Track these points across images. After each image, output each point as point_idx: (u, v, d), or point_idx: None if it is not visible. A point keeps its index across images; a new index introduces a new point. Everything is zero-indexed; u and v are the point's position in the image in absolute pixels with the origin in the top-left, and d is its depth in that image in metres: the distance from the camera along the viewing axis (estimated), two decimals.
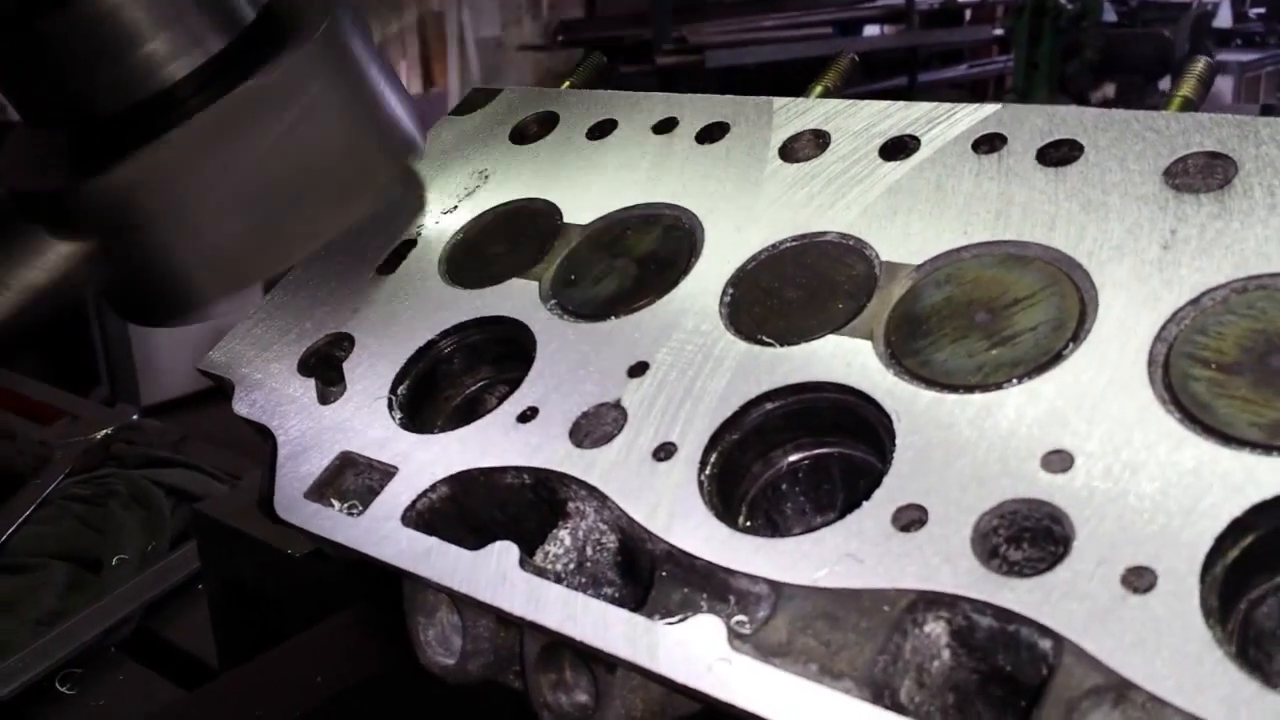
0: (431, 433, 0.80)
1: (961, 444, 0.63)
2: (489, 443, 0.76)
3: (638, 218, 0.89)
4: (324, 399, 0.86)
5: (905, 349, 0.69)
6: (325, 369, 0.89)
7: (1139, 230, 0.69)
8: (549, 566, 0.69)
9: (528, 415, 0.76)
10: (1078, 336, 0.65)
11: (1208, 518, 0.55)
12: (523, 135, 1.03)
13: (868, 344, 0.70)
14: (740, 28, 7.82)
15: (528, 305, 0.85)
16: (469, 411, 0.85)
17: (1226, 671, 0.50)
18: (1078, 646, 0.53)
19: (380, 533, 0.74)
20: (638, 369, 0.76)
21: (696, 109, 0.95)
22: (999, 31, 9.71)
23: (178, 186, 0.89)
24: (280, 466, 0.82)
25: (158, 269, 0.95)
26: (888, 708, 0.55)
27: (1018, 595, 0.55)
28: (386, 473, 0.78)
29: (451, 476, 0.75)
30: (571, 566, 0.70)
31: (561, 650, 0.67)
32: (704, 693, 0.58)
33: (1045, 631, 0.54)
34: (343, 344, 0.90)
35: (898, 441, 0.64)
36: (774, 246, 0.80)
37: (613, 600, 0.66)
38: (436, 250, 0.95)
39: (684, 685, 0.58)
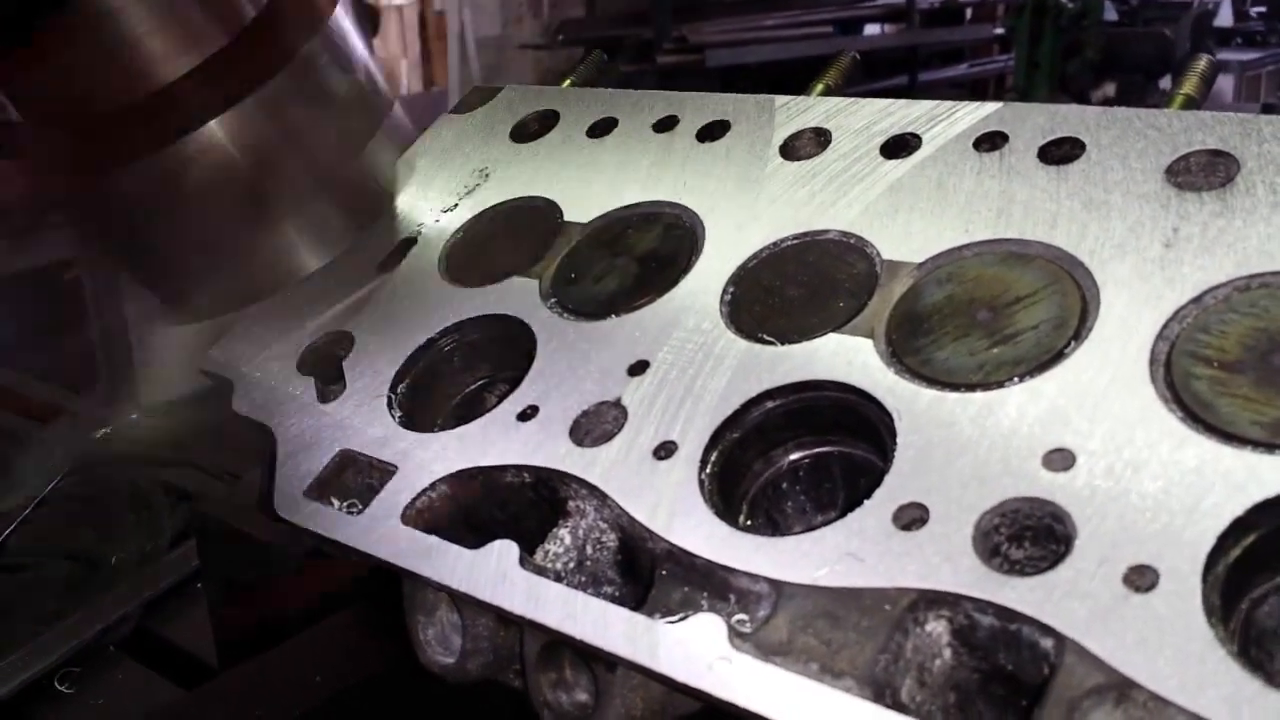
0: (431, 431, 0.80)
1: (963, 442, 0.62)
2: (489, 441, 0.76)
3: (638, 216, 0.89)
4: (324, 397, 0.86)
5: (906, 347, 0.69)
6: (325, 367, 0.89)
7: (1141, 228, 0.68)
8: (549, 565, 0.69)
9: (528, 414, 0.76)
10: (1079, 335, 0.65)
11: (1210, 516, 0.55)
12: (523, 133, 1.03)
13: (869, 342, 0.70)
14: (740, 27, 7.81)
15: (528, 304, 0.85)
16: (469, 410, 0.85)
17: (1229, 670, 0.50)
18: (1079, 645, 0.53)
19: (380, 532, 0.73)
20: (638, 367, 0.75)
21: (697, 107, 0.95)
22: (1000, 30, 9.70)
23: (182, 192, 0.90)
24: (280, 465, 0.82)
25: (160, 271, 0.95)
26: (889, 707, 0.55)
27: (1019, 594, 0.55)
28: (386, 471, 0.78)
29: (451, 475, 0.75)
30: (571, 565, 0.70)
31: (561, 649, 0.66)
32: (704, 691, 0.58)
33: (1047, 630, 0.54)
34: (342, 342, 0.90)
35: (899, 440, 0.64)
36: (775, 245, 0.80)
37: (613, 599, 0.66)
38: (436, 248, 0.95)
39: (684, 684, 0.58)
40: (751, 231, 0.82)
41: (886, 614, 0.58)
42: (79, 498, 1.72)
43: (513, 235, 0.93)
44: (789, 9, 8.22)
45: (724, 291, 0.78)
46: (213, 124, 0.91)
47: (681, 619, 0.60)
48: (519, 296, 0.86)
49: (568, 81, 1.09)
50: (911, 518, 0.60)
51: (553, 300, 0.85)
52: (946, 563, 0.58)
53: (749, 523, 0.71)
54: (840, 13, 8.87)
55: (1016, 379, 0.64)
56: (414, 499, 0.75)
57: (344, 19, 0.97)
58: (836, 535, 0.61)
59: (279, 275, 1.01)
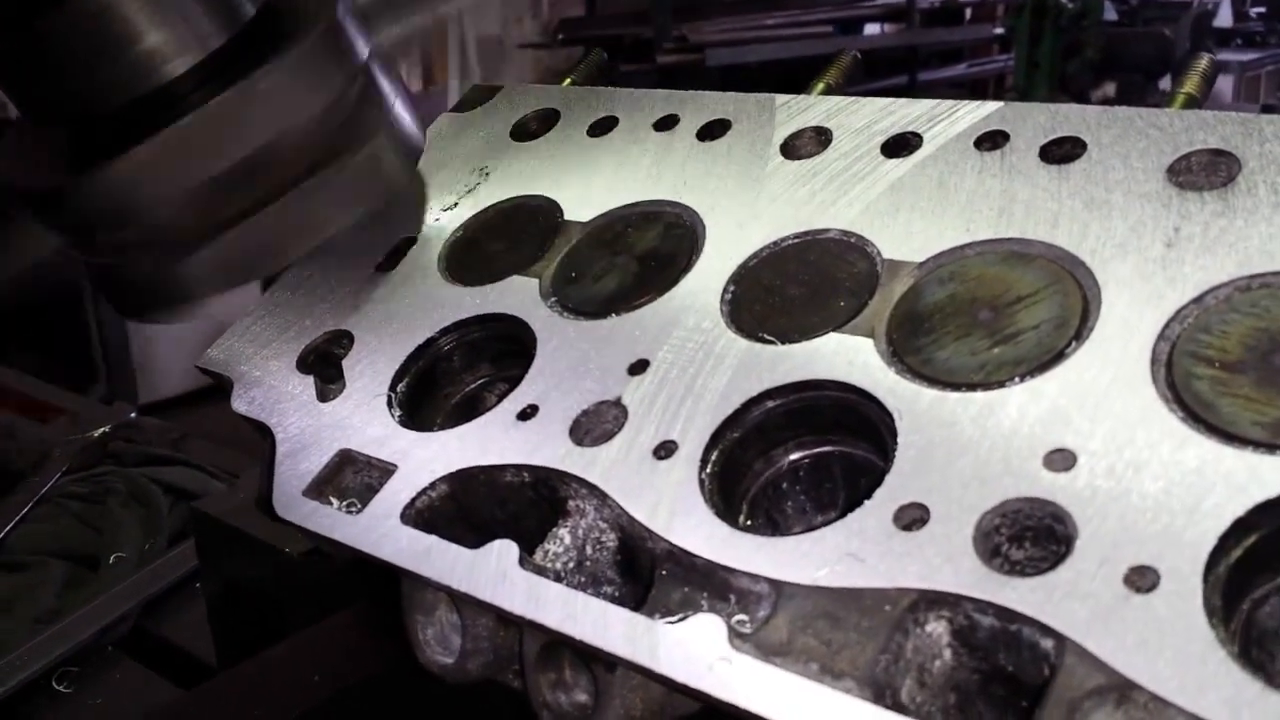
0: (431, 430, 0.80)
1: (963, 442, 0.62)
2: (489, 441, 0.76)
3: (639, 215, 0.89)
4: (323, 396, 0.86)
5: (907, 347, 0.69)
6: (324, 366, 0.89)
7: (1142, 228, 0.68)
8: (549, 565, 0.69)
9: (528, 413, 0.76)
10: (1080, 335, 0.65)
11: (1211, 517, 0.55)
12: (523, 132, 1.03)
13: (869, 342, 0.70)
14: (740, 26, 7.81)
15: (528, 302, 0.85)
16: (469, 409, 0.85)
17: (1229, 672, 0.49)
18: (1080, 646, 0.52)
19: (379, 531, 0.73)
20: (638, 367, 0.75)
21: (698, 106, 0.94)
22: (999, 30, 9.70)
23: (172, 182, 0.89)
24: (279, 464, 0.82)
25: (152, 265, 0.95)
26: (889, 707, 0.55)
27: (1020, 595, 0.55)
28: (386, 470, 0.77)
29: (451, 474, 0.75)
30: (571, 565, 0.70)
31: (561, 649, 0.66)
32: (704, 692, 0.57)
33: (1047, 631, 0.54)
34: (342, 341, 0.90)
35: (899, 440, 0.64)
36: (776, 244, 0.80)
37: (613, 599, 0.66)
38: (436, 247, 0.95)
39: (684, 685, 0.58)
40: (752, 230, 0.82)
41: (887, 614, 0.58)
42: (78, 496, 1.71)
43: (513, 234, 0.93)
44: (789, 8, 8.21)
45: (724, 290, 0.78)
46: (212, 123, 0.91)
47: (681, 619, 0.60)
48: (519, 295, 0.86)
49: (568, 80, 1.09)
50: (912, 518, 0.60)
51: (553, 299, 0.85)
52: (947, 563, 0.58)
53: (749, 522, 0.71)
54: (840, 12, 8.87)
55: (1017, 379, 0.64)
56: (413, 498, 0.75)
57: (349, 23, 0.96)
58: (837, 535, 0.61)
59: (279, 271, 1.01)
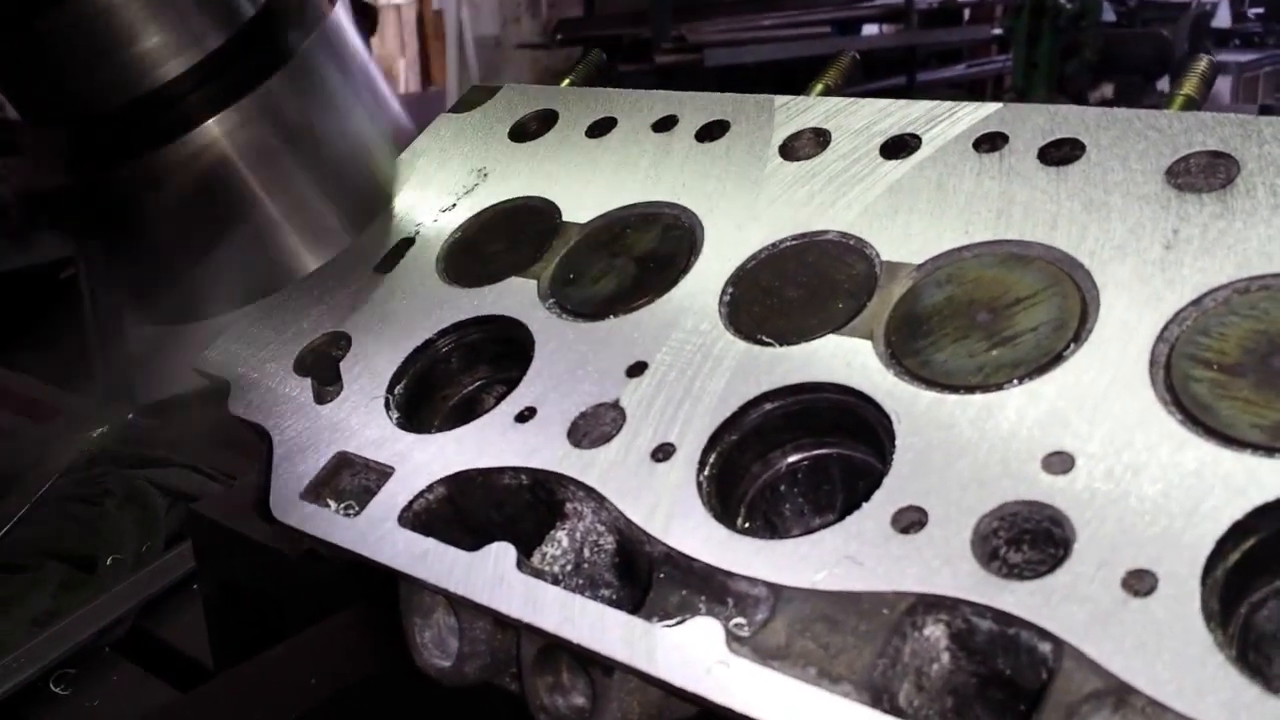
0: (429, 433, 0.80)
1: (962, 445, 0.62)
2: (486, 443, 0.76)
3: (637, 216, 0.88)
4: (320, 399, 0.86)
5: (906, 349, 0.69)
6: (322, 368, 0.89)
7: (1141, 230, 0.68)
8: (546, 568, 0.69)
9: (525, 415, 0.76)
10: (1079, 337, 0.65)
11: (1209, 520, 0.54)
12: (522, 133, 1.03)
13: (868, 344, 0.70)
14: (739, 26, 7.81)
15: (526, 304, 0.85)
16: (466, 411, 0.85)
17: (1227, 675, 0.49)
18: (1078, 650, 0.52)
19: (377, 534, 0.73)
20: (636, 369, 0.75)
21: (696, 107, 0.94)
22: (998, 31, 9.70)
23: (183, 189, 0.89)
24: (276, 466, 0.81)
25: (161, 271, 0.95)
26: (887, 711, 0.54)
27: (1018, 598, 0.55)
28: (383, 473, 0.77)
29: (449, 477, 0.75)
30: (569, 568, 0.69)
31: (559, 652, 0.66)
32: (702, 696, 0.57)
33: (1045, 635, 0.54)
34: (340, 343, 0.90)
35: (897, 442, 0.64)
36: (774, 245, 0.80)
37: (610, 602, 0.65)
38: (434, 248, 0.95)
39: (682, 688, 0.58)
40: (751, 232, 0.81)
41: (885, 618, 0.58)
42: (75, 498, 1.71)
43: (511, 235, 0.93)
44: (787, 9, 8.22)
45: (723, 292, 0.78)
46: (210, 123, 0.91)
47: (679, 622, 0.60)
48: (517, 297, 0.86)
49: (566, 81, 1.09)
50: (910, 521, 0.60)
51: (551, 301, 0.85)
52: (945, 566, 0.57)
53: (747, 525, 0.71)
54: (839, 13, 8.87)
55: (1016, 381, 0.64)
56: (411, 501, 0.74)
57: (344, 18, 0.96)
58: (835, 538, 0.61)
59: (277, 276, 1.01)
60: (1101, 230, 0.69)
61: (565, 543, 0.70)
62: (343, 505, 0.77)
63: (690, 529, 0.65)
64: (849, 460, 0.71)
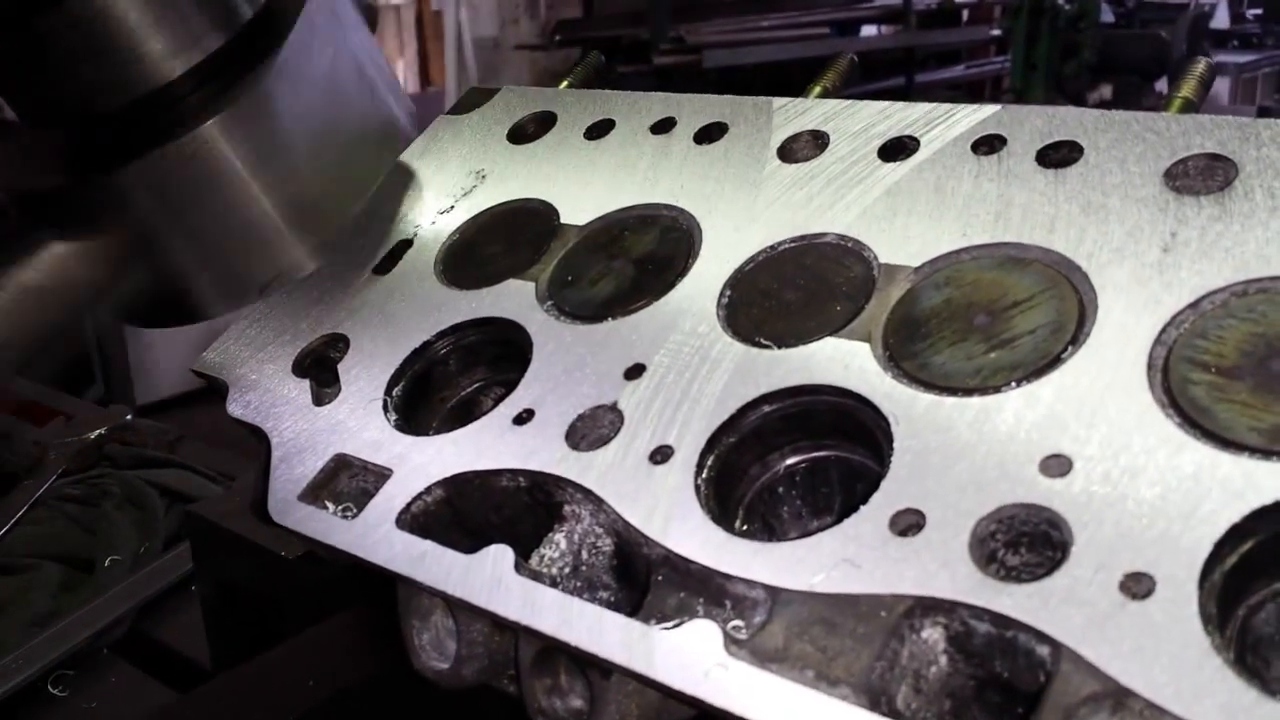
0: (427, 435, 0.80)
1: (960, 448, 0.62)
2: (484, 445, 0.76)
3: (635, 218, 0.88)
4: (318, 400, 0.86)
5: (903, 351, 0.69)
6: (320, 370, 0.89)
7: (1139, 233, 0.68)
8: (544, 570, 0.69)
9: (523, 417, 0.76)
10: (1077, 340, 0.65)
11: (1207, 523, 0.54)
12: (520, 135, 1.03)
13: (866, 346, 0.70)
14: (738, 28, 7.82)
15: (524, 306, 0.85)
16: (464, 413, 0.85)
17: (1225, 679, 0.49)
18: (1075, 653, 0.52)
19: (374, 536, 0.73)
20: (634, 371, 0.75)
21: (695, 109, 0.94)
22: (996, 32, 9.71)
23: (183, 191, 0.89)
24: (274, 468, 0.81)
25: (161, 273, 0.95)
26: (884, 714, 0.55)
27: (1015, 601, 0.55)
28: (381, 475, 0.77)
29: (446, 479, 0.75)
30: (567, 570, 0.69)
31: (556, 655, 0.66)
32: (700, 699, 0.57)
33: (1043, 638, 0.54)
34: (338, 345, 0.90)
35: (895, 445, 0.64)
36: (772, 248, 0.80)
37: (608, 604, 0.65)
38: (433, 251, 0.95)
39: (680, 691, 0.58)
40: (749, 234, 0.81)
41: (882, 621, 0.58)
42: (73, 499, 1.71)
43: (509, 237, 0.93)
44: (786, 10, 8.22)
45: (721, 295, 0.78)
46: (209, 124, 0.91)
47: (677, 625, 0.60)
48: (515, 299, 0.86)
49: (565, 83, 1.09)
50: (908, 524, 0.60)
51: (549, 303, 0.85)
52: (943, 569, 0.57)
53: (745, 528, 0.71)
54: (837, 14, 8.88)
55: (1014, 384, 0.64)
56: (409, 503, 0.74)
57: (347, 13, 0.96)
58: (833, 541, 0.61)
59: (275, 277, 1.00)
60: (1099, 233, 0.69)
61: (563, 545, 0.70)
62: (341, 507, 0.77)
63: (688, 531, 0.65)
64: (847, 463, 0.71)
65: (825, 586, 0.59)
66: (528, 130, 1.03)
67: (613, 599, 0.70)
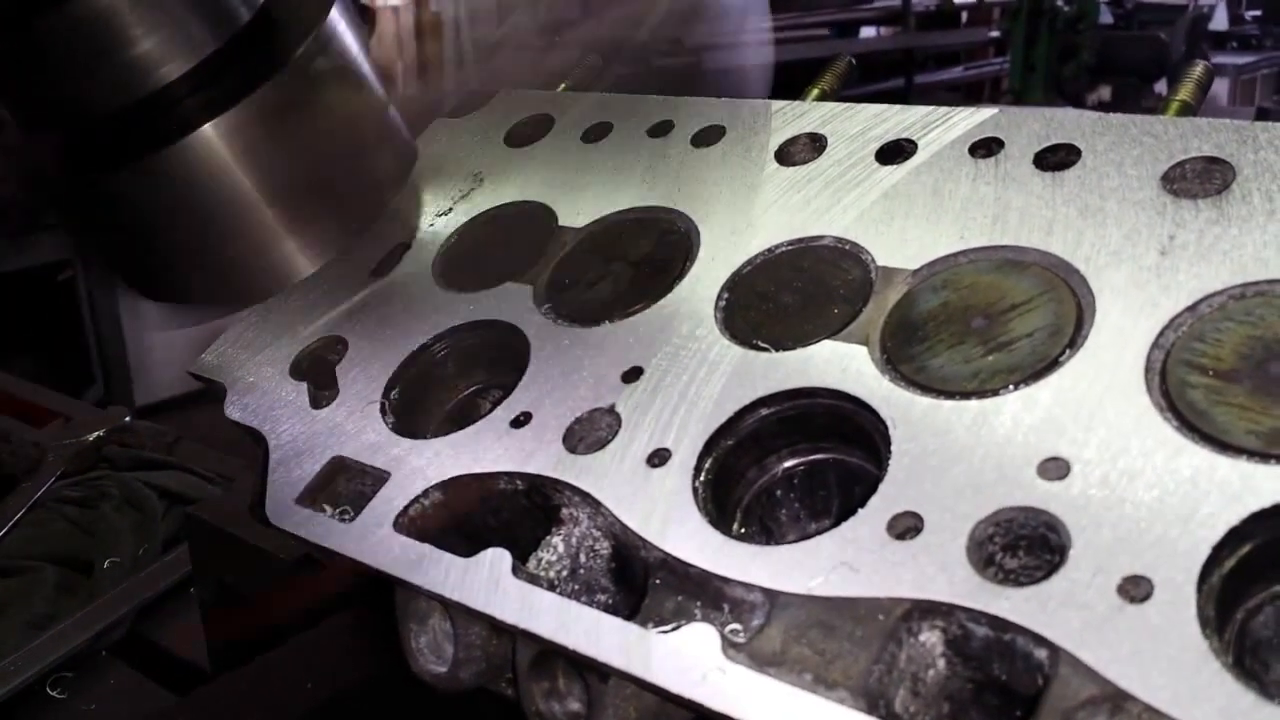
0: (424, 438, 0.80)
1: (957, 451, 0.62)
2: (482, 448, 0.76)
3: (633, 221, 0.88)
4: (316, 403, 0.86)
5: (901, 355, 0.69)
6: (318, 373, 0.88)
7: (1137, 236, 0.68)
8: (542, 574, 0.69)
9: (521, 420, 0.76)
10: (1075, 343, 0.65)
11: (1205, 526, 0.54)
12: (518, 138, 1.03)
13: (863, 349, 0.70)
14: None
15: (522, 309, 0.85)
16: (462, 416, 0.85)
17: (1223, 682, 0.49)
18: (1074, 656, 0.52)
19: (372, 539, 0.73)
20: (632, 374, 0.75)
21: (692, 112, 0.94)
22: (995, 33, 9.72)
23: (181, 193, 0.89)
24: (272, 471, 0.81)
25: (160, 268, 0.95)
26: (882, 718, 0.55)
27: (1013, 604, 0.55)
28: (379, 478, 0.77)
29: (444, 482, 0.75)
30: (565, 574, 0.69)
31: (554, 658, 0.66)
32: (698, 702, 0.57)
33: (1041, 641, 0.54)
34: (336, 347, 0.90)
35: (893, 448, 0.64)
36: (770, 250, 0.80)
37: (606, 608, 0.65)
38: (430, 253, 0.95)
39: (677, 695, 0.58)
40: (746, 237, 0.81)
41: (880, 624, 0.58)
42: (72, 501, 1.71)
43: (507, 240, 0.93)
44: (785, 12, 8.22)
45: (719, 297, 0.78)
46: (207, 127, 0.91)
47: (675, 628, 0.60)
48: (513, 302, 0.86)
49: (563, 85, 1.09)
50: (906, 527, 0.60)
51: (547, 306, 0.85)
52: (941, 572, 0.57)
53: (743, 531, 0.71)
54: (836, 15, 8.88)
55: (1011, 387, 0.64)
56: (406, 506, 0.74)
57: (343, 24, 0.96)
58: (831, 544, 0.61)
59: (274, 280, 1.00)
60: (1097, 236, 0.69)
61: (561, 548, 0.70)
62: (338, 510, 0.77)
63: (686, 534, 0.65)
64: (845, 466, 0.71)
65: (823, 590, 0.59)
66: (525, 133, 1.03)
67: (610, 602, 0.70)
